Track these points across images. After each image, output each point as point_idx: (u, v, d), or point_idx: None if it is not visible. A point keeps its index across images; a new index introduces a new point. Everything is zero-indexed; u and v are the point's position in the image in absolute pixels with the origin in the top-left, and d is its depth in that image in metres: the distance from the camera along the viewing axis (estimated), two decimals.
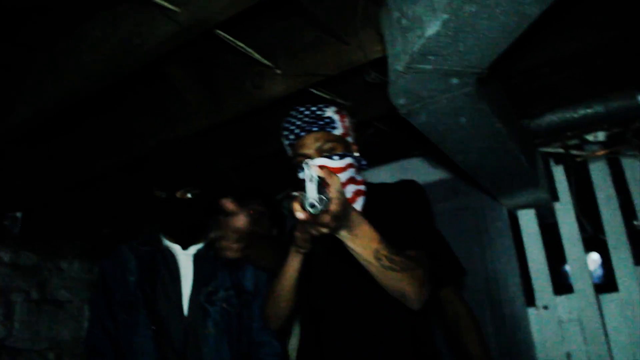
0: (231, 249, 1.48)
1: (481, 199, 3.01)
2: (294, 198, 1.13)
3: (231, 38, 1.81)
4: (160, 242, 1.87)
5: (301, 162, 1.55)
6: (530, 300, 2.90)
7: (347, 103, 2.36)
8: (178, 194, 1.74)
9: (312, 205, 1.09)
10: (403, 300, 1.37)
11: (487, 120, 1.87)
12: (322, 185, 1.13)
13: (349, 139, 1.63)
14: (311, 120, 1.57)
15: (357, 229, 1.23)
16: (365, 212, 1.57)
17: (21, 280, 3.07)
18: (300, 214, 1.11)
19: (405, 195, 1.64)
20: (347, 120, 1.64)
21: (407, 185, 1.68)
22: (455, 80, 1.58)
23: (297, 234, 1.40)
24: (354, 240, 1.24)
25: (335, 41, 1.88)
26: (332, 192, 1.13)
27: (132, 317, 1.72)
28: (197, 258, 1.86)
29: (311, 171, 1.11)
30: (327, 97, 2.24)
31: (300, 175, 1.56)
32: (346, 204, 1.17)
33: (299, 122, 1.58)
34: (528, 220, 2.94)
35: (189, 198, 1.76)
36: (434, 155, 3.04)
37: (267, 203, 2.52)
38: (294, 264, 1.49)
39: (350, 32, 1.84)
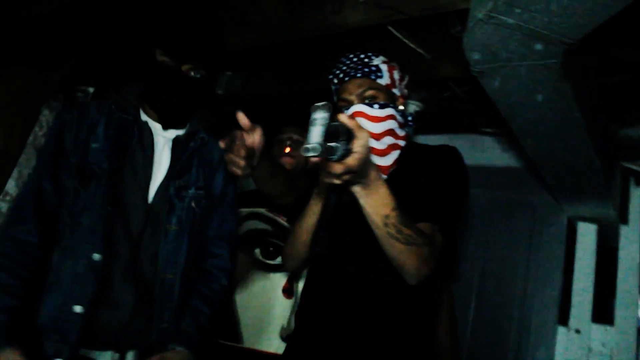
0: (238, 164, 1.44)
1: (543, 198, 2.80)
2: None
3: None
4: (139, 114, 1.65)
5: (343, 107, 1.56)
6: (564, 320, 2.71)
7: (426, 55, 2.21)
8: (184, 68, 1.58)
9: (307, 150, 1.06)
10: (400, 272, 1.35)
11: (566, 105, 1.68)
12: (349, 136, 1.12)
13: (395, 92, 1.61)
14: (357, 66, 1.57)
15: (373, 188, 1.23)
16: (397, 168, 1.56)
17: None
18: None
19: (441, 161, 1.57)
20: (395, 73, 1.62)
21: (446, 152, 1.60)
22: (539, 46, 1.42)
23: (321, 178, 1.37)
24: (366, 198, 1.25)
25: None
26: (356, 146, 1.12)
27: (88, 189, 1.50)
28: (176, 145, 1.66)
29: (319, 116, 1.08)
30: (405, 41, 2.10)
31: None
32: (367, 161, 1.16)
33: (344, 67, 1.59)
34: (587, 235, 2.71)
35: (193, 76, 1.60)
36: (506, 138, 2.84)
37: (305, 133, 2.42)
38: (314, 208, 1.49)
39: None
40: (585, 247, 2.72)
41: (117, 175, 1.53)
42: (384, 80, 1.57)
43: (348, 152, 1.12)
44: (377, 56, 1.61)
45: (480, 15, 1.35)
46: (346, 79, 1.58)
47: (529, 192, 2.88)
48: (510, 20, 1.32)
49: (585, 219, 2.71)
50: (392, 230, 1.26)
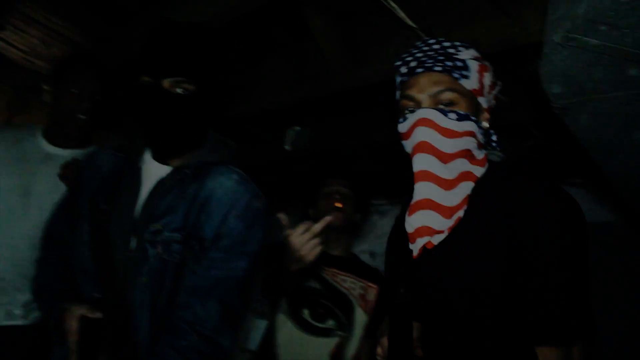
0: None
1: None
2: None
3: None
4: (139, 152, 1.44)
5: (406, 108, 1.17)
6: None
7: (504, 98, 2.03)
8: (165, 83, 1.29)
9: None
10: None
11: None
12: None
13: (482, 101, 1.20)
14: (437, 55, 1.16)
15: None
16: (469, 210, 1.13)
17: None
18: None
19: (549, 221, 1.03)
20: (487, 77, 1.21)
21: (553, 202, 1.05)
22: (634, 72, 1.20)
23: None
24: None
25: (494, 11, 1.60)
26: None
27: (77, 230, 1.39)
28: (160, 184, 1.39)
29: None
30: None
31: (400, 127, 1.19)
32: None
33: (420, 54, 1.19)
34: None
35: (179, 93, 1.31)
36: (598, 188, 2.54)
37: (353, 185, 2.30)
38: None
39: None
40: None
41: (105, 218, 1.38)
42: (471, 83, 1.16)
43: None
44: (466, 48, 1.19)
45: (557, 38, 1.16)
46: (419, 70, 1.16)
47: (629, 251, 2.53)
48: (595, 41, 1.13)
49: None
50: None
